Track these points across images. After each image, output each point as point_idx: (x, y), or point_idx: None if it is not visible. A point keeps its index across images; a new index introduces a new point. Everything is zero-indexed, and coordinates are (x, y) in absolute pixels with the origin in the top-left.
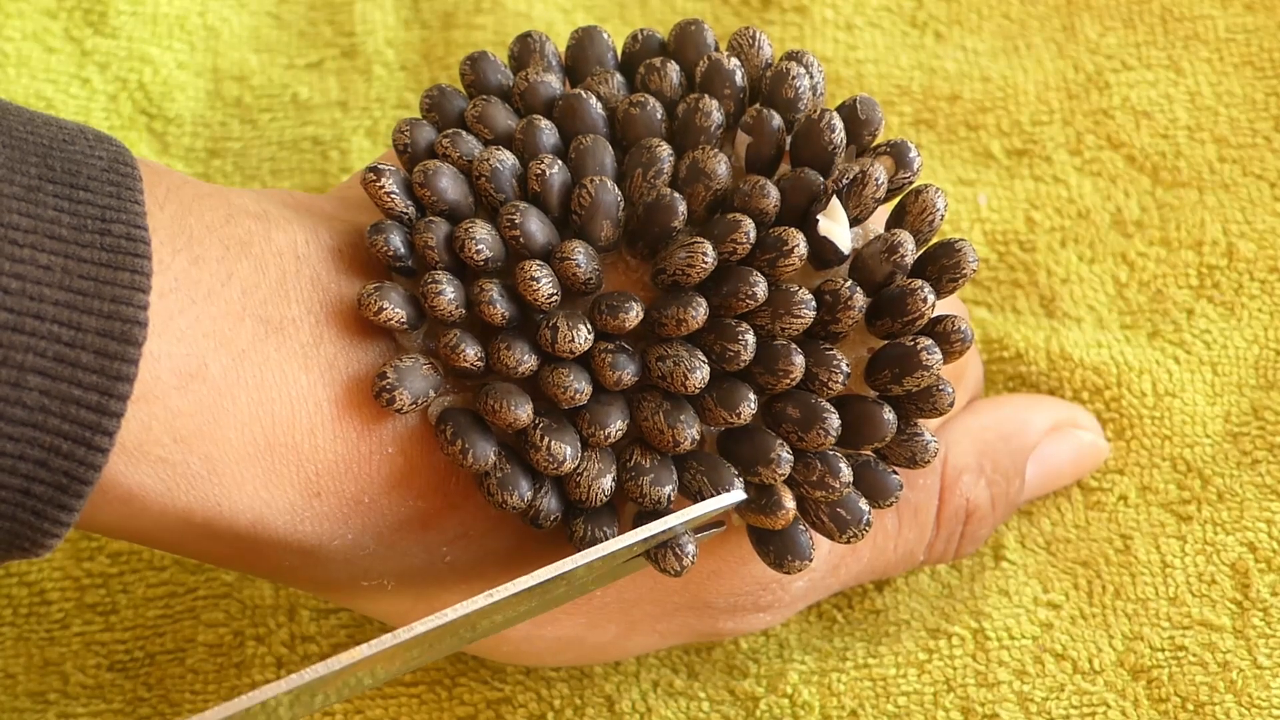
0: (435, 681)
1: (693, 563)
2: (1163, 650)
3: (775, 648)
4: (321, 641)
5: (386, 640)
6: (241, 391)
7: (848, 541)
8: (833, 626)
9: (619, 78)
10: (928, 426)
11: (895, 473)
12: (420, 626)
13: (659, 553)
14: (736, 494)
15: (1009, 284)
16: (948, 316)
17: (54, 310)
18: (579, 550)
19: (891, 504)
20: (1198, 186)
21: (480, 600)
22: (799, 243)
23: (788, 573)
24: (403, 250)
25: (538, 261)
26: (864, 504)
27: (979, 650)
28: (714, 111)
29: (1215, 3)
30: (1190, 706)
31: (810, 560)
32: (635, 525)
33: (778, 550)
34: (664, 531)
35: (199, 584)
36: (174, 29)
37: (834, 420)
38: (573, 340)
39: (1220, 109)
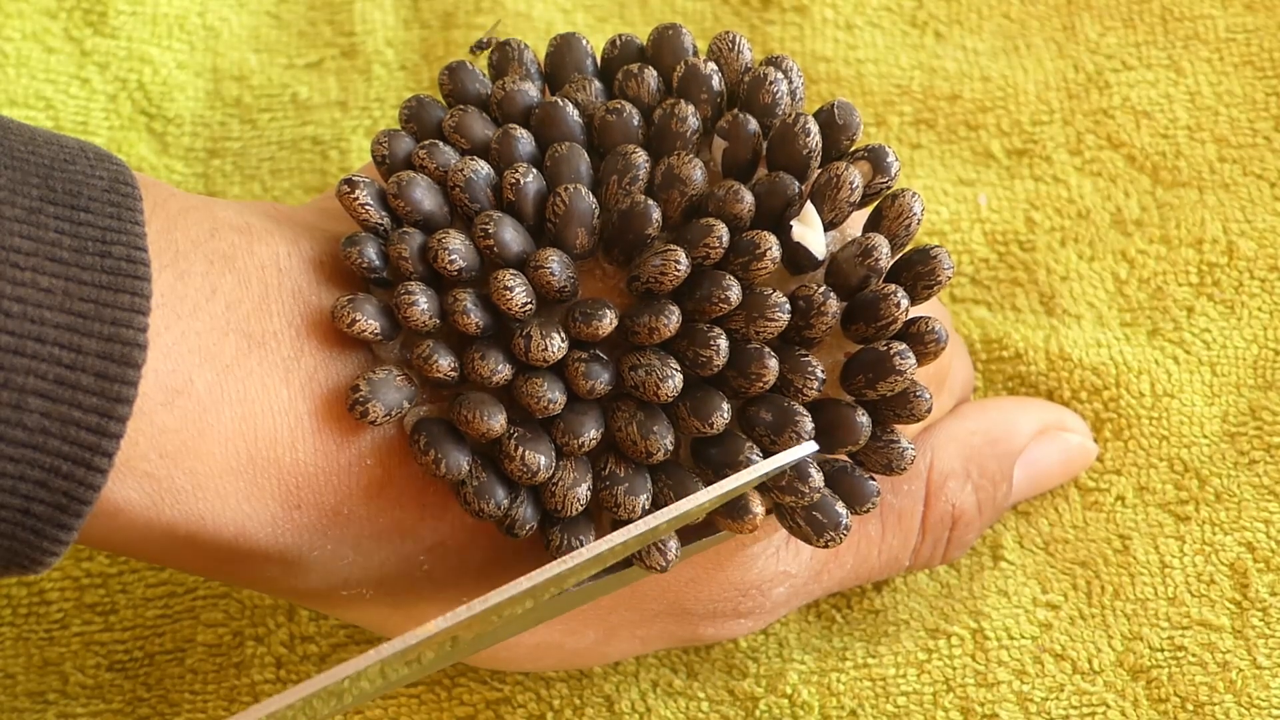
0: (435, 682)
1: (676, 558)
2: (1162, 650)
3: (775, 647)
4: (320, 641)
5: (382, 650)
6: (225, 407)
7: (825, 545)
8: (832, 626)
9: (597, 84)
10: (909, 432)
11: (873, 479)
12: (415, 635)
13: (644, 553)
14: (809, 445)
15: (1009, 283)
16: (922, 318)
17: (55, 333)
18: (558, 558)
19: (868, 510)
20: (1198, 186)
21: (476, 605)
22: (772, 245)
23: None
24: (377, 262)
25: (511, 270)
26: (841, 508)
27: (978, 650)
28: (690, 117)
29: (1215, 3)
30: (1190, 706)
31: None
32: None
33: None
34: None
35: (198, 584)
36: (174, 29)
37: (806, 423)
38: (546, 349)
39: (1220, 109)
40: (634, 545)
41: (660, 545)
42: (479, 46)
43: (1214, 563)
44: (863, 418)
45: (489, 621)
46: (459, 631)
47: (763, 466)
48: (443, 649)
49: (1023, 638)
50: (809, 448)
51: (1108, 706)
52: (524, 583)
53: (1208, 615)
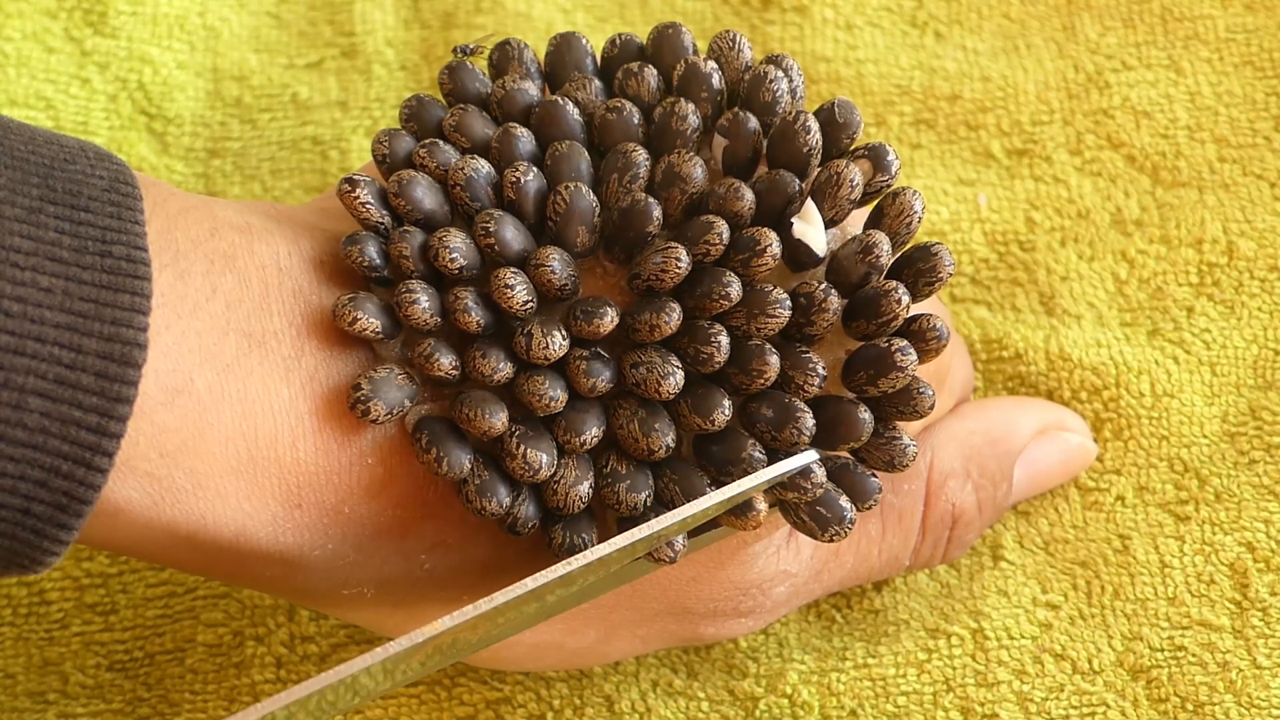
0: (435, 682)
1: (685, 549)
2: (1162, 650)
3: (775, 647)
4: (321, 641)
5: (388, 649)
6: (226, 406)
7: (830, 540)
8: (832, 626)
9: (597, 83)
10: (911, 430)
11: (875, 476)
12: (421, 634)
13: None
14: (811, 454)
15: (1009, 283)
16: (923, 315)
17: (55, 333)
18: (559, 558)
19: (871, 506)
20: (1198, 186)
21: (482, 605)
22: (772, 242)
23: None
24: (378, 260)
25: (512, 269)
26: (845, 502)
27: (978, 650)
28: (690, 115)
29: (1215, 3)
30: (1190, 706)
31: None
32: (620, 531)
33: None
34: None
35: (198, 584)
36: (174, 29)
37: (808, 419)
38: (547, 347)
39: (1220, 109)
40: (641, 548)
41: (667, 541)
42: (462, 50)
43: (1214, 563)
44: (865, 414)
45: (494, 621)
46: (463, 631)
47: (767, 473)
48: (446, 648)
49: (1023, 638)
50: (810, 456)
51: (1108, 706)
52: (530, 583)
53: (1208, 615)
